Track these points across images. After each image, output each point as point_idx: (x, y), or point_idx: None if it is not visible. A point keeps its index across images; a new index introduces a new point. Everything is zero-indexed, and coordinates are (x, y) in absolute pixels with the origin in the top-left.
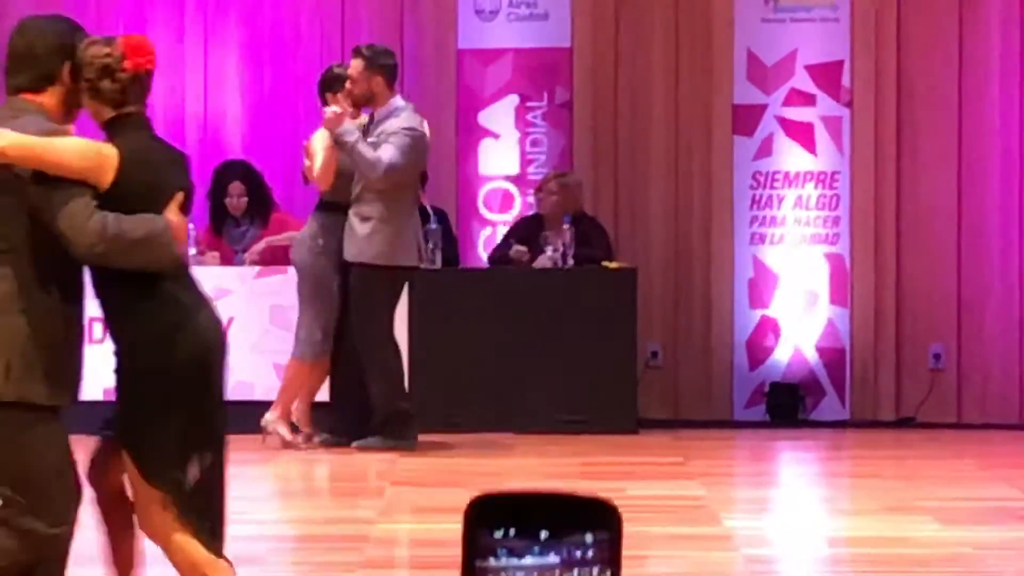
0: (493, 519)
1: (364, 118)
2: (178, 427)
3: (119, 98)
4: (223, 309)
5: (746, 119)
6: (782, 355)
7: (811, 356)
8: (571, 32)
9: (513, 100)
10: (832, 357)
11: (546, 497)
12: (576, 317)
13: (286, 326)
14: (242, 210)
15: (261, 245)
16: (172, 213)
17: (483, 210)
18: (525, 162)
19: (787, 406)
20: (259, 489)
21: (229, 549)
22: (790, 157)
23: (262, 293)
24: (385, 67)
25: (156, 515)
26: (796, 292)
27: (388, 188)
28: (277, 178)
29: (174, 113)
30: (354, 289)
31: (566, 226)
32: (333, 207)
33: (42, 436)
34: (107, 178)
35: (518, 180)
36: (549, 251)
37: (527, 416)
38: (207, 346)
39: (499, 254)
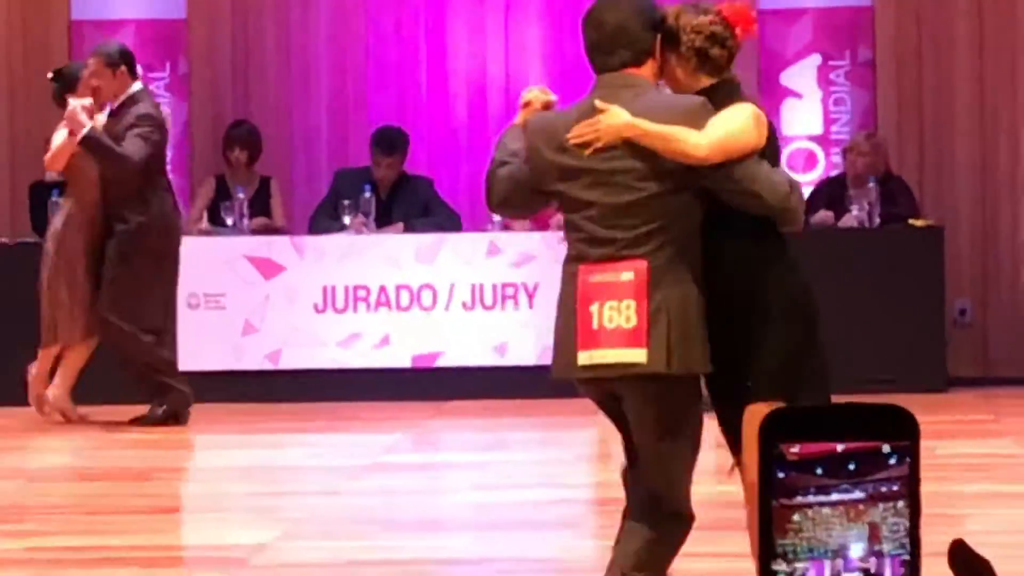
0: (788, 433)
1: None
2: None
3: (725, 65)
4: (529, 275)
5: None
6: None
7: None
8: None
9: (815, 60)
10: None
11: (840, 408)
12: (883, 276)
13: None
14: None
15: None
16: None
17: (787, 170)
18: (828, 121)
19: None
20: (569, 452)
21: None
22: None
23: None
24: None
25: None
26: None
27: None
28: None
29: (476, 79)
30: None
31: (871, 185)
32: None
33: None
34: (763, 142)
35: (822, 140)
36: (855, 210)
37: (835, 376)
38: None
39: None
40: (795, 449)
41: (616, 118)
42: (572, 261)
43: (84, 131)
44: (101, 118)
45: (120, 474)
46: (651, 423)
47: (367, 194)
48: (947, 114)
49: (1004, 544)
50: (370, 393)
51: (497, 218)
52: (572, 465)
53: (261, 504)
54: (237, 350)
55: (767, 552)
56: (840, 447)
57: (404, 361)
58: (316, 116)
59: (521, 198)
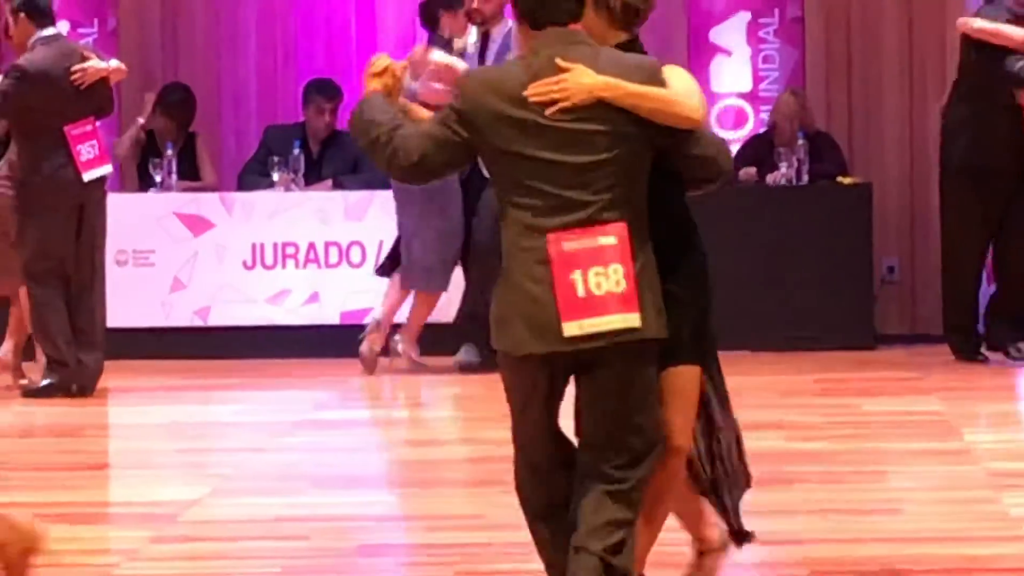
0: None
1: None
2: None
3: (642, 22)
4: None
5: None
6: None
7: None
8: None
9: (745, 17)
10: None
11: None
12: (811, 233)
13: None
14: None
15: None
16: None
17: (716, 127)
18: (757, 79)
19: None
20: (496, 409)
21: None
22: None
23: None
24: None
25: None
26: None
27: None
28: None
29: (406, 35)
30: None
31: (800, 142)
32: None
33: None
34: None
35: (751, 97)
36: (783, 168)
37: (762, 333)
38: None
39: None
40: None
41: (587, 76)
42: (528, 230)
43: None
44: None
45: (47, 431)
46: (631, 390)
47: (296, 151)
48: (875, 71)
49: (928, 501)
50: (299, 350)
51: None
52: (499, 422)
53: (190, 460)
54: (166, 307)
55: None
56: None
57: (333, 318)
58: (245, 72)
59: (446, 155)
